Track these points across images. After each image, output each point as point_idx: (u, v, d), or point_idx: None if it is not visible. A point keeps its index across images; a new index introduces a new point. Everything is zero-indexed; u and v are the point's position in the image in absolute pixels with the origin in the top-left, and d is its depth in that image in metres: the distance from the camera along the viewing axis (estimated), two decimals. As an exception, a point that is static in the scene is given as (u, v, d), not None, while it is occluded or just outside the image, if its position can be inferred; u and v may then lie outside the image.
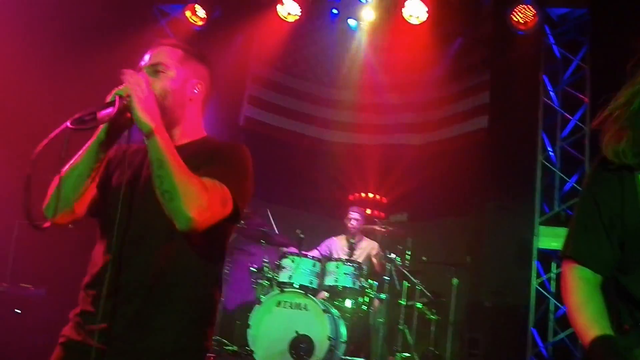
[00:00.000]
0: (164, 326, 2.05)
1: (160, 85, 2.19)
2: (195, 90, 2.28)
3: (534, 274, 6.56)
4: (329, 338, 5.54)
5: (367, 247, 7.09)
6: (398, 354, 6.12)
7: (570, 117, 6.91)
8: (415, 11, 7.20)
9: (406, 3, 7.14)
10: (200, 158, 2.14)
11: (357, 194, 8.07)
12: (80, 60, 6.33)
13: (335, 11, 7.92)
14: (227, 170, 2.11)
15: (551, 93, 7.09)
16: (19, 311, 5.16)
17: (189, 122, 2.28)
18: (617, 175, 1.88)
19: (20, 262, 5.87)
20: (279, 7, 7.60)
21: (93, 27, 6.72)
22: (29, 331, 5.09)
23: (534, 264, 6.59)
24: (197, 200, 1.94)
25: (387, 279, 6.47)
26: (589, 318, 1.83)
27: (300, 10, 7.59)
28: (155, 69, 2.21)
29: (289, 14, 7.67)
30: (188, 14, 7.54)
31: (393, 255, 6.46)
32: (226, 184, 2.06)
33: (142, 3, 7.53)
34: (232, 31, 7.92)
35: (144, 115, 1.96)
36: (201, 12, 7.54)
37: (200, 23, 7.58)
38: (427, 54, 7.67)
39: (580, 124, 6.82)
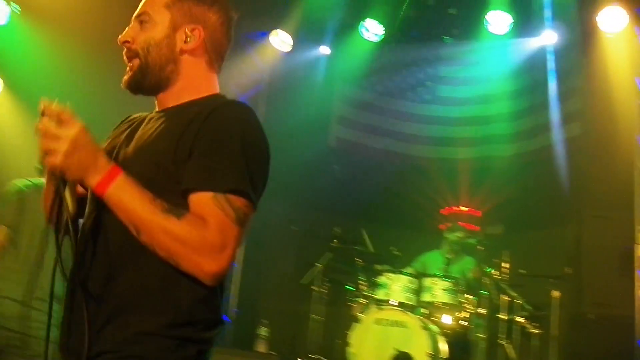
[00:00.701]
0: None
1: (142, 38, 1.83)
2: (186, 40, 1.85)
3: (637, 283, 6.35)
4: (429, 355, 5.55)
5: (463, 262, 7.06)
6: (500, 369, 6.06)
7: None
8: (497, 20, 7.25)
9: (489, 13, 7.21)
10: (183, 127, 1.72)
11: (449, 208, 8.03)
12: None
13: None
14: (218, 173, 1.64)
15: (647, 96, 6.87)
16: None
17: (187, 78, 1.88)
18: None
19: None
20: (362, 29, 7.79)
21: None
22: None
23: (637, 273, 6.38)
24: (200, 255, 1.58)
25: (485, 293, 6.41)
26: None
27: (384, 30, 7.75)
28: (140, 20, 1.86)
29: (374, 34, 7.86)
30: (273, 39, 7.76)
31: (490, 269, 6.41)
32: (227, 190, 1.62)
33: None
34: (317, 53, 8.13)
35: (75, 174, 1.59)
36: (286, 37, 7.75)
37: (287, 49, 7.79)
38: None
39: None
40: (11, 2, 6.24)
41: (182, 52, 1.86)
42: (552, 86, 7.93)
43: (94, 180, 1.59)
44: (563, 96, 7.80)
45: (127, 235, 1.62)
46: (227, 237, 1.59)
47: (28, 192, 4.04)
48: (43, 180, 1.78)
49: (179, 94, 1.88)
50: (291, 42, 7.78)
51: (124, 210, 1.59)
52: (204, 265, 1.58)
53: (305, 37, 7.95)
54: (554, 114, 7.86)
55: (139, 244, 1.61)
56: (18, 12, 6.31)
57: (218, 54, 1.94)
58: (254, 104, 7.75)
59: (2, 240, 3.93)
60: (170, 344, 1.62)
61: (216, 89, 1.93)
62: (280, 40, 7.78)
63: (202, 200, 1.60)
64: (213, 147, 1.67)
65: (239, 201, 1.63)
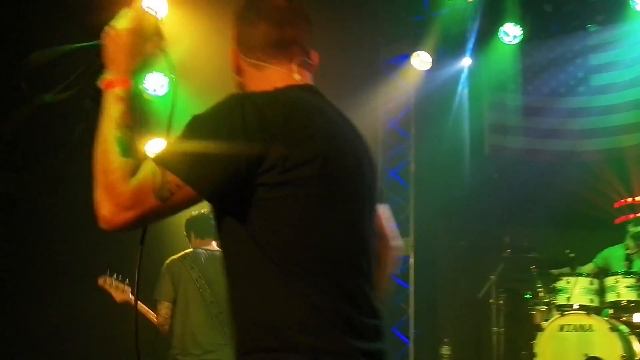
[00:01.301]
0: None
1: None
2: None
3: None
4: (623, 357, 5.33)
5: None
6: None
7: None
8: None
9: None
10: None
11: (624, 201, 7.67)
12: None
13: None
14: (164, 147, 1.64)
15: None
16: None
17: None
18: None
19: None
20: (501, 35, 7.73)
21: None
22: None
23: None
24: (107, 196, 1.57)
25: (676, 286, 6.07)
26: None
27: (522, 30, 7.65)
28: None
29: (514, 36, 7.76)
30: (415, 61, 7.87)
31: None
32: (158, 161, 1.57)
33: (371, 61, 8.01)
34: (460, 66, 8.15)
35: (105, 59, 1.77)
36: (426, 56, 7.84)
37: (428, 67, 7.87)
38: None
39: None
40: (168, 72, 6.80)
41: None
42: None
43: (107, 75, 1.73)
44: None
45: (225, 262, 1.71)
46: (139, 202, 1.55)
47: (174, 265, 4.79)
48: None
49: None
50: (430, 60, 7.85)
51: (102, 115, 1.68)
52: (103, 207, 1.57)
53: (445, 52, 8.00)
54: None
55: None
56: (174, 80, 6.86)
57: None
58: (406, 126, 7.90)
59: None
60: None
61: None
62: (420, 60, 7.88)
63: (145, 164, 1.59)
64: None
65: (170, 177, 1.55)
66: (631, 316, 5.93)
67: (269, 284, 1.60)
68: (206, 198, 1.62)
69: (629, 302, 5.91)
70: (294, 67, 1.84)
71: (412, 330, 7.13)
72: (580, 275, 6.02)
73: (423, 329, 7.31)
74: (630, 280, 5.96)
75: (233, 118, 1.59)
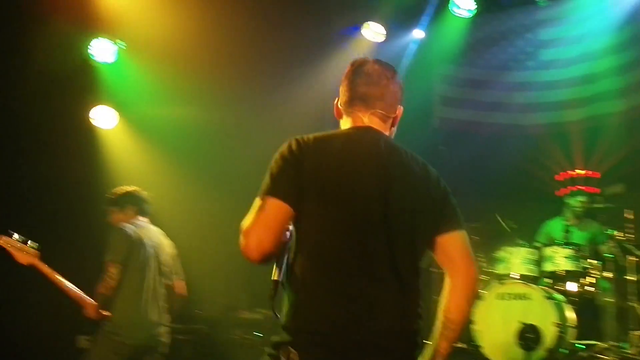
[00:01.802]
0: None
1: None
2: None
3: None
4: (557, 324, 5.51)
5: (586, 227, 6.92)
6: (633, 332, 5.90)
7: None
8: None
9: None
10: None
11: (565, 173, 7.85)
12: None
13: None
14: None
15: None
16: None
17: None
18: None
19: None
20: (453, 8, 7.79)
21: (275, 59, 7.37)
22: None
23: None
24: None
25: (610, 257, 6.28)
26: None
27: (475, 4, 7.75)
28: None
29: (466, 10, 7.88)
30: (366, 32, 7.89)
31: (613, 231, 6.26)
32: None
33: (323, 32, 8.00)
34: (411, 38, 8.21)
35: None
36: (378, 27, 7.87)
37: (381, 39, 7.91)
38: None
39: None
40: (117, 40, 6.75)
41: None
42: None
43: None
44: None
45: None
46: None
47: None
48: None
49: None
50: (384, 32, 7.89)
51: None
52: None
53: (397, 25, 8.03)
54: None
55: None
56: (124, 48, 6.82)
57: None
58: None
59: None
60: None
61: None
62: (373, 32, 7.90)
63: None
64: None
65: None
66: (567, 285, 6.15)
67: None
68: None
69: (566, 272, 6.12)
70: (364, 116, 2.39)
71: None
72: (520, 245, 6.19)
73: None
74: (568, 251, 6.17)
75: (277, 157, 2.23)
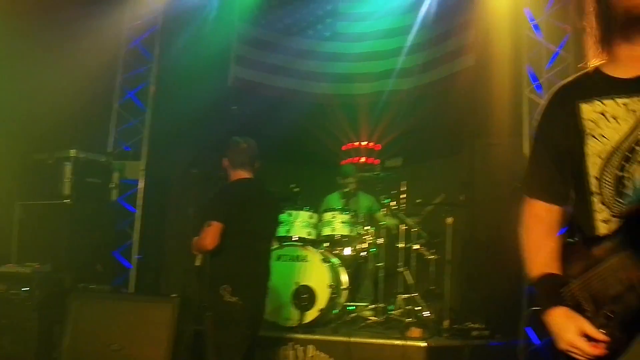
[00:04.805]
0: None
1: None
2: None
3: (527, 206, 6.60)
4: (330, 286, 5.69)
5: (363, 196, 7.18)
6: (399, 295, 6.27)
7: (555, 49, 6.88)
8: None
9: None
10: None
11: (350, 144, 8.13)
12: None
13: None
14: None
15: (534, 26, 7.05)
16: (27, 288, 5.30)
17: None
18: (563, 110, 1.96)
19: (24, 242, 6.04)
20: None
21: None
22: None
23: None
24: None
25: (383, 224, 6.61)
26: (538, 260, 2.01)
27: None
28: None
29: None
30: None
31: (388, 200, 6.58)
32: None
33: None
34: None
35: None
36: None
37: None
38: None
39: (565, 54, 6.79)
40: None
41: None
42: (447, 19, 8.04)
43: None
44: (457, 29, 7.92)
45: None
46: None
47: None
48: None
49: None
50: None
51: None
52: None
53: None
54: (449, 46, 8.00)
55: None
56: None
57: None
58: (150, 47, 7.52)
59: None
60: None
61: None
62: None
63: None
64: None
65: None
66: (343, 250, 6.38)
67: None
68: None
69: (342, 236, 6.34)
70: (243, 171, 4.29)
71: (135, 255, 6.94)
72: (300, 209, 6.28)
73: (147, 255, 7.15)
74: (346, 217, 6.38)
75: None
